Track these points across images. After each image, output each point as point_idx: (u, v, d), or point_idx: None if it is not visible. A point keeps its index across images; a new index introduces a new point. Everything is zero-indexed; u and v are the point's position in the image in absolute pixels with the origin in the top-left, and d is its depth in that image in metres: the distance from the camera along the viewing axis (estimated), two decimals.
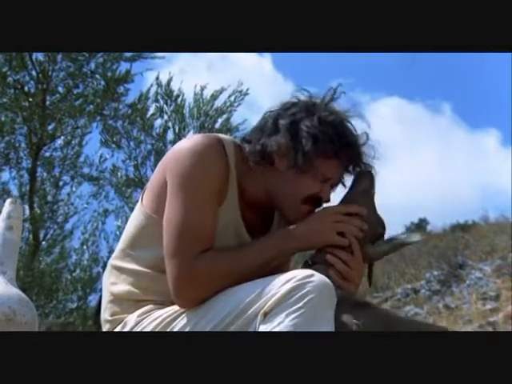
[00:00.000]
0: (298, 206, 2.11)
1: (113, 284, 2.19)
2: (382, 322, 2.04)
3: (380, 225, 2.12)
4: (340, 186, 2.17)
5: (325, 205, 2.17)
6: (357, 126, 2.15)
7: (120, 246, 2.21)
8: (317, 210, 2.13)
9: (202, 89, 8.65)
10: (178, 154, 2.09)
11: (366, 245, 2.08)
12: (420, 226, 21.56)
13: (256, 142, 2.12)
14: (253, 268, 1.98)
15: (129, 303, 2.15)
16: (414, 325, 2.12)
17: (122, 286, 2.16)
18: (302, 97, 2.16)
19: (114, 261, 2.23)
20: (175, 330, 2.01)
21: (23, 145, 7.76)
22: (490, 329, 9.56)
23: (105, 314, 2.21)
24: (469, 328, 9.64)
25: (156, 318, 2.07)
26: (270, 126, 2.12)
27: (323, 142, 2.05)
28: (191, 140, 2.12)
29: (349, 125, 2.13)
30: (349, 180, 2.19)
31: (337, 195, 2.15)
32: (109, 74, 7.72)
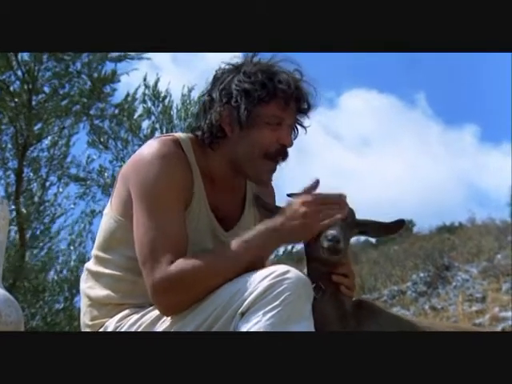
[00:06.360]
0: (260, 161, 2.13)
1: (90, 288, 2.19)
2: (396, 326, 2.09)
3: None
4: None
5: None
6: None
7: (94, 251, 2.23)
8: (290, 201, 2.07)
9: (190, 90, 8.62)
10: (138, 163, 2.11)
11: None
12: (406, 227, 21.62)
13: (202, 123, 2.17)
14: (235, 270, 1.95)
15: (108, 307, 2.15)
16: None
17: (101, 291, 2.16)
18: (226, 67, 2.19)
19: (90, 265, 2.23)
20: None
21: (9, 145, 7.71)
22: None
23: (84, 319, 2.21)
24: None
25: (135, 322, 2.07)
26: (207, 103, 2.16)
27: (255, 89, 2.08)
28: (148, 147, 2.13)
29: (277, 67, 2.14)
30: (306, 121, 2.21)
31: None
32: (95, 74, 7.68)
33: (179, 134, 2.21)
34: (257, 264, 2.01)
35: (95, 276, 2.19)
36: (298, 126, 2.22)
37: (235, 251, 1.97)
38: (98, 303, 2.17)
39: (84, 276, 2.25)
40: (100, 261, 2.20)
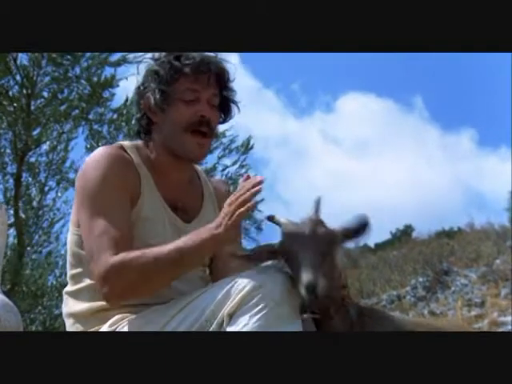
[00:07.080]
0: (184, 136, 2.15)
1: (72, 306, 2.18)
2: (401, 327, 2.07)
3: None
4: None
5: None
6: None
7: (68, 273, 2.24)
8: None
9: None
10: (81, 171, 2.16)
11: None
12: (405, 232, 21.60)
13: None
14: (168, 260, 1.93)
15: (93, 318, 2.13)
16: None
17: (82, 305, 2.15)
18: None
19: (67, 288, 2.23)
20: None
21: (8, 150, 7.71)
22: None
23: None
24: None
25: (127, 325, 2.05)
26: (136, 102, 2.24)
27: (164, 71, 2.13)
28: (90, 155, 2.17)
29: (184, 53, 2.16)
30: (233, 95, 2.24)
31: None
32: (94, 78, 7.68)
33: (124, 142, 2.25)
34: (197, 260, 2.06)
35: (74, 295, 2.19)
36: (232, 106, 2.27)
37: (175, 243, 1.96)
38: (83, 317, 2.15)
39: (64, 301, 2.24)
40: (75, 279, 2.20)
